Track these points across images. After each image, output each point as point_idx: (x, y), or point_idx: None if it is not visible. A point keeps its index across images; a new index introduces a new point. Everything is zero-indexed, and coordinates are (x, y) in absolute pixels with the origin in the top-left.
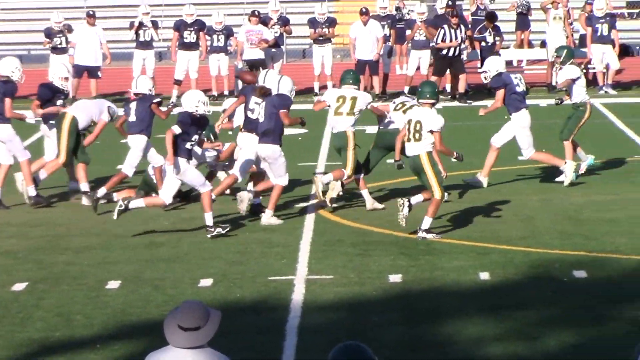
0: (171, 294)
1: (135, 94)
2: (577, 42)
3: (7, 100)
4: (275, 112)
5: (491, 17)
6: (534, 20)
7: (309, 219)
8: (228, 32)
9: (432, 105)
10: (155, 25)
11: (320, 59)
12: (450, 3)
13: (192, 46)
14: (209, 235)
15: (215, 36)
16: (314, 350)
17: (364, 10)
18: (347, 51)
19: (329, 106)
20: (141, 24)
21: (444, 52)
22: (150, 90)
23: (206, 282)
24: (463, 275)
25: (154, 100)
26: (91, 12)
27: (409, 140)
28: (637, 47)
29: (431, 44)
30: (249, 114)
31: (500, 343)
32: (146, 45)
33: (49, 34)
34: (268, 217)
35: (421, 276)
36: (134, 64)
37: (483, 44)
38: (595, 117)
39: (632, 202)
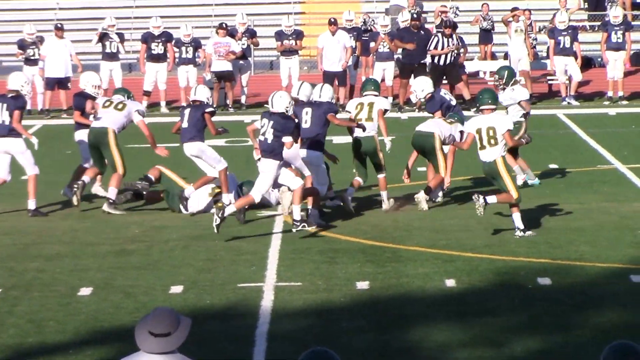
0: (142, 300)
1: (193, 101)
2: (538, 54)
3: (16, 112)
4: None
5: (452, 27)
6: (497, 32)
7: (278, 227)
8: (196, 44)
9: (493, 110)
10: (121, 37)
11: (288, 71)
12: (415, 16)
13: (160, 58)
14: (294, 230)
15: (183, 48)
16: (283, 357)
17: (332, 20)
18: (314, 63)
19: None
20: (106, 35)
21: (437, 60)
22: (208, 100)
23: (177, 289)
24: (429, 282)
25: (207, 110)
26: (59, 25)
27: (483, 147)
28: (599, 59)
29: (395, 56)
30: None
31: (466, 349)
32: (112, 56)
33: (22, 45)
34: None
35: (388, 283)
36: (101, 76)
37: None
38: (559, 127)
39: (596, 211)
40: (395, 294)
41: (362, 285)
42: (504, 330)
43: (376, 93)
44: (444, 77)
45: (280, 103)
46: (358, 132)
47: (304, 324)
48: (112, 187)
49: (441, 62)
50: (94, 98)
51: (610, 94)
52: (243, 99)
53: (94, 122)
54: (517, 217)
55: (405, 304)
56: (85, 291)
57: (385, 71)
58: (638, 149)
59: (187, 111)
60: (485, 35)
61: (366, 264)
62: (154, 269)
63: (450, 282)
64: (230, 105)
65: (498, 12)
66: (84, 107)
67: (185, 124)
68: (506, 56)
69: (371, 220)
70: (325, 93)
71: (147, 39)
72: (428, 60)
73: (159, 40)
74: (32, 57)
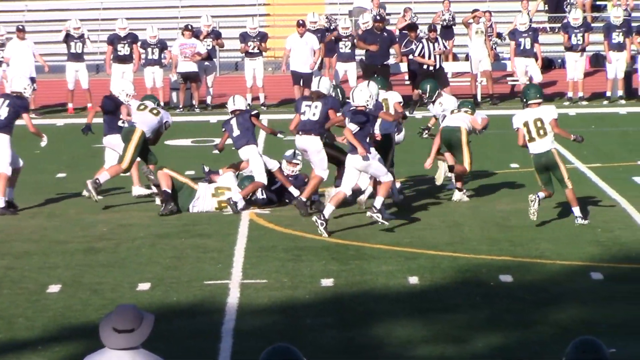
0: (110, 297)
1: (233, 111)
2: (499, 55)
3: (26, 116)
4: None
5: (413, 27)
6: (458, 34)
7: (243, 226)
8: (162, 45)
9: (539, 104)
10: (83, 40)
11: (252, 72)
12: (378, 18)
13: (126, 59)
14: (370, 214)
15: (149, 49)
16: (249, 353)
17: (300, 22)
18: (279, 64)
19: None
20: (71, 36)
21: (425, 66)
22: (248, 106)
23: (144, 287)
24: (392, 280)
25: (253, 113)
26: (21, 27)
27: (532, 140)
28: (559, 60)
29: (358, 57)
30: (302, 117)
31: (429, 345)
32: (78, 57)
33: None
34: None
35: (352, 280)
36: (67, 76)
37: (411, 57)
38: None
39: (556, 210)
40: (359, 291)
41: (327, 282)
42: (466, 326)
43: (386, 90)
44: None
45: (361, 97)
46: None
47: (270, 321)
48: (106, 173)
49: (430, 68)
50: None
51: (570, 94)
52: (209, 100)
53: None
54: (576, 209)
55: (369, 301)
56: (53, 288)
57: (347, 72)
58: (597, 149)
59: (233, 121)
60: (447, 31)
61: (331, 261)
62: (121, 267)
63: (413, 280)
64: (196, 106)
65: (458, 14)
66: (111, 109)
67: (236, 132)
68: (467, 57)
69: (335, 219)
70: (323, 84)
71: (113, 40)
72: (391, 61)
73: (125, 42)
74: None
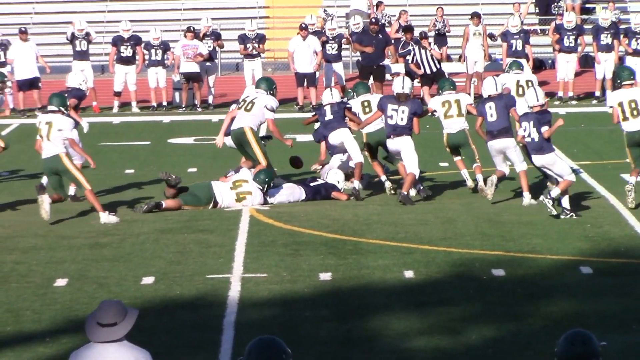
0: (115, 291)
1: (331, 104)
2: (492, 56)
3: (72, 100)
4: (508, 110)
5: (409, 29)
6: (453, 36)
7: (244, 221)
8: (165, 46)
9: (631, 85)
10: (88, 38)
11: (251, 72)
12: (373, 20)
13: (129, 60)
14: (562, 216)
15: (153, 50)
16: None
17: (303, 25)
18: (278, 64)
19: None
20: (75, 35)
21: (425, 70)
22: (342, 97)
23: (148, 280)
24: (388, 273)
25: (347, 106)
26: (23, 29)
27: (626, 119)
28: (550, 61)
29: (354, 58)
30: (389, 120)
31: (424, 337)
32: (83, 55)
33: None
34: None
35: (349, 274)
36: None
37: (408, 57)
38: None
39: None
40: (356, 285)
41: (325, 276)
42: (460, 319)
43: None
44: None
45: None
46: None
47: (270, 314)
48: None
49: (428, 71)
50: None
51: (560, 94)
52: (210, 99)
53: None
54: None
55: (365, 294)
56: (60, 282)
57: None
58: (587, 147)
59: (327, 108)
60: (440, 39)
61: (329, 256)
62: (126, 261)
63: (409, 274)
64: (198, 105)
65: (452, 16)
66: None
67: (329, 117)
68: (460, 58)
69: (333, 215)
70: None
71: (117, 42)
72: (387, 62)
73: (128, 44)
74: None
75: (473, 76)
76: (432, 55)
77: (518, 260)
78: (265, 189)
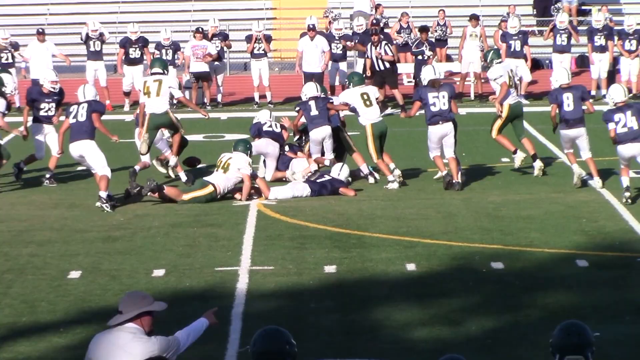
0: (127, 283)
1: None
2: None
3: (95, 115)
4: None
5: (424, 29)
6: (452, 37)
7: (251, 216)
8: (175, 47)
9: None
10: (101, 38)
11: (258, 72)
12: (375, 21)
13: (137, 62)
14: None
15: (163, 51)
16: None
17: (311, 26)
18: (285, 64)
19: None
20: (89, 36)
21: (376, 67)
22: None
23: (159, 273)
24: (391, 266)
25: (330, 100)
26: (40, 30)
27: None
28: (547, 61)
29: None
30: (432, 107)
31: (426, 328)
32: (97, 55)
33: None
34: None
35: (353, 267)
36: (87, 75)
37: (419, 57)
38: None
39: (545, 201)
40: (360, 277)
41: (330, 269)
42: (460, 310)
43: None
44: (384, 82)
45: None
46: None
47: (276, 305)
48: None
49: (377, 68)
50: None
51: None
52: (219, 98)
53: None
54: None
55: (369, 287)
56: (74, 274)
57: (338, 71)
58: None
59: (312, 103)
60: (440, 42)
61: (333, 249)
62: (137, 254)
63: (411, 266)
64: (207, 104)
65: (453, 17)
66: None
67: (315, 112)
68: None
69: (337, 209)
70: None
71: (125, 44)
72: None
73: (136, 46)
74: (6, 62)
75: (468, 75)
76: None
77: (516, 254)
78: (248, 155)
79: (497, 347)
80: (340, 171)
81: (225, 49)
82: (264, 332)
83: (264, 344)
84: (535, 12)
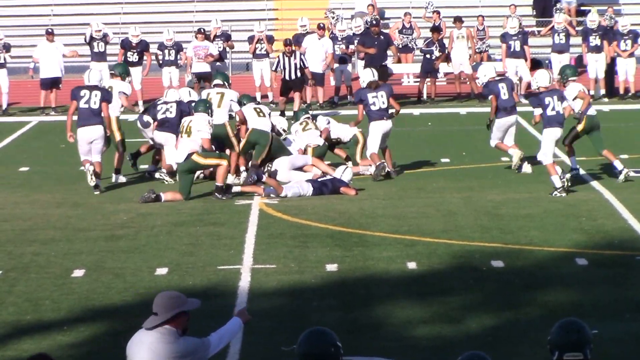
0: (131, 281)
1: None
2: (491, 57)
3: (105, 104)
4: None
5: (437, 29)
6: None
7: (254, 215)
8: (178, 47)
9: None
10: (105, 39)
11: (259, 72)
12: (374, 22)
13: (135, 64)
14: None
15: (166, 51)
16: (260, 332)
17: (321, 25)
18: None
19: None
20: (93, 37)
21: (286, 76)
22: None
23: (162, 271)
24: (392, 265)
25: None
26: (50, 30)
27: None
28: (547, 61)
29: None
30: (372, 107)
31: (427, 325)
32: (100, 56)
33: None
34: None
35: (355, 265)
36: None
37: (428, 56)
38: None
39: (544, 200)
40: (361, 276)
41: (331, 267)
42: (461, 308)
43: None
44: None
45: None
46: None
47: (279, 303)
48: None
49: (289, 78)
50: None
51: None
52: None
53: None
54: None
55: (370, 285)
56: (78, 273)
57: (343, 72)
58: (583, 143)
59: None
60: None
61: (335, 248)
62: (141, 253)
63: (412, 265)
64: None
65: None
66: None
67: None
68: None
69: (339, 208)
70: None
71: (125, 46)
72: (389, 62)
73: (135, 50)
74: None
75: (461, 76)
76: (296, 64)
77: (516, 252)
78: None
79: (498, 344)
80: (343, 173)
81: (227, 49)
82: (310, 333)
83: (309, 346)
84: (534, 13)
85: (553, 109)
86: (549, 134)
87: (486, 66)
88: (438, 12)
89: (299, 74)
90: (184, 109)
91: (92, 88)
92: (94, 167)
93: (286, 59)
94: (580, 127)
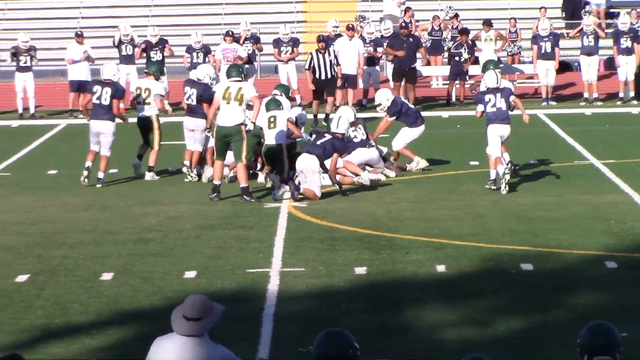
0: (159, 285)
1: None
2: (522, 59)
3: (116, 101)
4: None
5: (464, 32)
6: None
7: (282, 218)
8: (206, 50)
9: None
10: (133, 43)
11: (286, 75)
12: (403, 24)
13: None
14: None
15: (195, 54)
16: (289, 336)
17: (350, 26)
18: None
19: None
20: (121, 40)
21: (317, 75)
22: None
23: (190, 274)
24: (421, 268)
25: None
26: (79, 32)
27: None
28: (576, 64)
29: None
30: (492, 108)
31: (455, 329)
32: (129, 59)
33: (16, 52)
34: None
35: (383, 269)
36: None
37: (457, 58)
38: (540, 126)
39: (573, 203)
40: (390, 279)
41: (360, 270)
42: (489, 311)
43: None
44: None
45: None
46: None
47: (307, 306)
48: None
49: (322, 77)
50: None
51: (586, 95)
52: None
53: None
54: None
55: (399, 288)
56: (106, 276)
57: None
58: (611, 146)
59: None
60: (436, 46)
61: (363, 251)
62: (169, 256)
63: (441, 268)
64: None
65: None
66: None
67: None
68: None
69: (367, 211)
70: (341, 125)
71: (147, 46)
72: (418, 64)
73: (157, 49)
74: (25, 65)
75: None
76: (330, 61)
77: (545, 255)
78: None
79: (526, 347)
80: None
81: (256, 52)
82: (327, 334)
83: (326, 347)
84: (563, 15)
85: (493, 105)
86: (490, 131)
87: (384, 91)
88: (457, 16)
89: (333, 73)
90: (204, 95)
91: (104, 83)
92: (88, 171)
93: (319, 55)
94: None
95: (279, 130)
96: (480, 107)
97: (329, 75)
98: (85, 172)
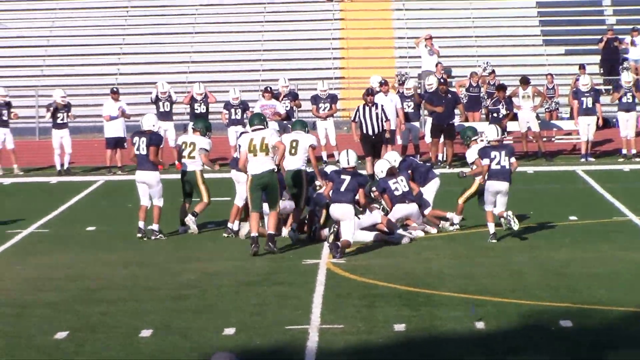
0: (198, 341)
1: None
2: (559, 115)
3: (152, 148)
4: None
5: (502, 87)
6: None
7: (321, 274)
8: (244, 106)
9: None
10: (170, 100)
11: (324, 131)
12: (442, 81)
13: (202, 115)
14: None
15: (233, 110)
16: None
17: (383, 81)
18: None
19: None
20: (158, 97)
21: (365, 131)
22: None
23: (229, 331)
24: (460, 325)
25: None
26: (115, 89)
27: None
28: (614, 120)
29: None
30: (495, 165)
31: None
32: (166, 115)
33: (55, 109)
34: None
35: (422, 325)
36: None
37: (495, 115)
38: (579, 182)
39: (612, 259)
40: (429, 336)
41: (399, 327)
42: None
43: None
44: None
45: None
46: None
47: None
48: None
49: (370, 133)
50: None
51: (624, 151)
52: None
53: None
54: None
55: (438, 345)
56: (145, 332)
57: (411, 131)
58: None
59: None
60: (473, 102)
61: (402, 307)
62: (208, 312)
63: (480, 325)
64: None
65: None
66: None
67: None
68: (515, 117)
69: (405, 268)
70: (351, 158)
71: (192, 101)
72: (457, 121)
73: (202, 102)
74: (62, 122)
75: (528, 134)
76: (377, 115)
77: (585, 312)
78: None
79: None
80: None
81: (294, 108)
82: None
83: None
84: (601, 71)
85: (498, 163)
86: (488, 186)
87: (382, 162)
88: (494, 72)
89: (381, 128)
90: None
91: (141, 134)
92: (142, 232)
93: (367, 109)
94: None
95: (299, 156)
96: (486, 161)
97: (377, 130)
98: (140, 234)
